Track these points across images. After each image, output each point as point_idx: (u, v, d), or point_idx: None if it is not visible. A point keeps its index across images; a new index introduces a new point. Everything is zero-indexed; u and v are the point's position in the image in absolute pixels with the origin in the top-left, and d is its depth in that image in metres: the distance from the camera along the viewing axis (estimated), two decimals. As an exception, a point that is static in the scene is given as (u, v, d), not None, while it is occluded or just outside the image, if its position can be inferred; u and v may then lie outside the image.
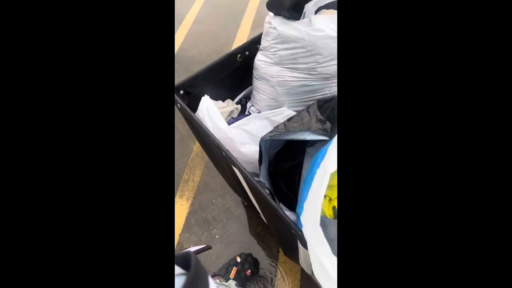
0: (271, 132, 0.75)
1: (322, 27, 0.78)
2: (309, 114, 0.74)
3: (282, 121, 0.91)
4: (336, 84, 0.91)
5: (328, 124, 0.70)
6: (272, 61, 0.92)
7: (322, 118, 0.71)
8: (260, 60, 0.97)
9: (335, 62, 0.85)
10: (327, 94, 0.93)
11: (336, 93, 0.89)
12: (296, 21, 0.82)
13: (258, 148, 0.79)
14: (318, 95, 0.94)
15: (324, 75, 0.88)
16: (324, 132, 0.69)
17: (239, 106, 1.11)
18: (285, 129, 0.72)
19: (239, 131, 0.89)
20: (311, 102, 0.96)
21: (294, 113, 0.91)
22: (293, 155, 0.88)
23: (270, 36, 0.88)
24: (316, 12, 0.83)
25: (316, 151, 0.76)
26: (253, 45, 1.03)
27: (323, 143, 0.68)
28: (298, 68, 0.88)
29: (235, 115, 1.11)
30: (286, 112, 0.91)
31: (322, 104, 0.75)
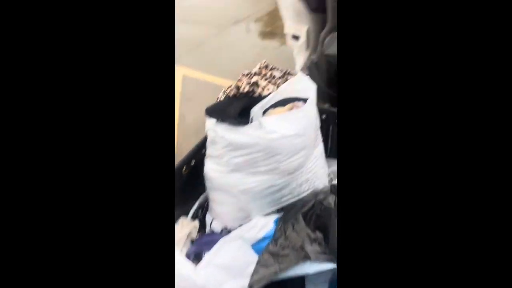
0: (256, 272, 0.58)
1: (274, 128, 0.72)
2: (297, 233, 0.61)
3: (258, 235, 0.76)
4: (304, 173, 0.83)
5: (324, 245, 0.58)
6: (228, 169, 0.80)
7: (316, 236, 0.59)
8: (213, 169, 0.84)
9: (298, 156, 0.78)
10: (295, 188, 0.84)
11: (314, 192, 0.81)
12: (245, 127, 0.75)
13: (242, 283, 0.60)
14: (287, 191, 0.84)
15: (289, 171, 0.80)
16: (326, 256, 0.57)
17: (196, 223, 0.92)
18: (276, 265, 0.57)
19: (211, 270, 0.69)
20: (282, 201, 0.85)
21: (270, 221, 0.78)
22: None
23: (219, 144, 0.78)
24: (264, 113, 0.78)
25: (320, 277, 0.62)
26: (198, 152, 0.90)
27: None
28: (259, 171, 0.78)
29: (195, 235, 0.91)
30: (260, 223, 0.77)
31: (306, 214, 0.64)
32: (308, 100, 0.77)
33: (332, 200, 0.73)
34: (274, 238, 0.67)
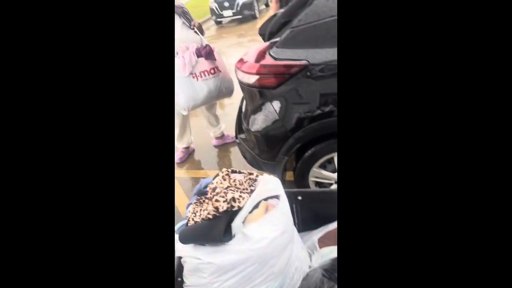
0: None
1: (262, 235, 0.71)
2: None
3: None
4: (293, 264, 0.82)
5: None
6: (220, 296, 0.71)
7: None
8: (201, 302, 0.73)
9: (286, 251, 0.78)
10: (289, 283, 0.82)
11: (302, 275, 0.80)
12: (229, 243, 0.71)
13: None
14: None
15: (281, 270, 0.78)
16: None
17: None
18: None
19: None
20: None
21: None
22: None
23: (206, 271, 0.70)
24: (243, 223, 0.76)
25: None
26: (175, 284, 0.78)
27: None
28: (254, 285, 0.73)
29: None
30: None
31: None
32: (280, 196, 0.81)
33: (329, 284, 0.74)
34: None
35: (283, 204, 0.80)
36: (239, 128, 1.68)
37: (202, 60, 1.78)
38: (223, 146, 2.30)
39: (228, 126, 2.48)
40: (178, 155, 2.20)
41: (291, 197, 1.02)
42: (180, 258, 0.77)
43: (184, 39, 1.85)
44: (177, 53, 1.78)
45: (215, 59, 1.81)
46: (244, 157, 1.67)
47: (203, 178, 1.94)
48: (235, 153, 2.18)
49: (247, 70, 1.37)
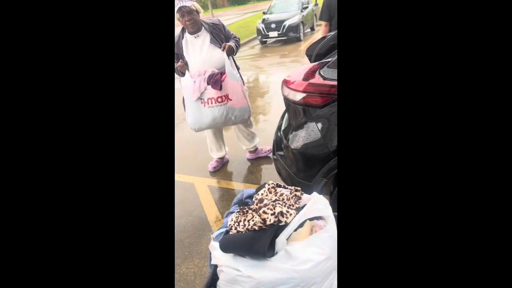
0: None
1: (307, 256, 0.68)
2: None
3: None
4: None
5: None
6: (255, 315, 0.68)
7: None
8: (234, 317, 0.69)
9: (330, 278, 0.73)
10: (327, 315, 0.76)
11: None
12: (272, 260, 0.68)
13: None
14: (320, 323, 0.74)
15: (321, 299, 0.72)
16: None
17: None
18: None
19: None
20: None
21: None
22: None
23: (245, 285, 0.67)
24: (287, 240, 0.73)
25: None
26: (208, 293, 0.76)
27: None
28: (293, 309, 0.68)
29: None
30: None
31: None
32: (328, 218, 0.77)
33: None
34: None
35: (331, 227, 0.75)
36: (277, 145, 1.67)
37: (210, 88, 1.77)
38: (255, 161, 2.30)
39: (262, 141, 2.49)
40: (212, 164, 2.23)
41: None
42: (215, 266, 0.75)
43: (207, 59, 1.80)
44: (193, 76, 1.78)
45: (220, 89, 1.76)
46: (279, 173, 1.64)
47: (232, 189, 1.95)
48: (268, 168, 2.17)
49: (295, 87, 1.38)
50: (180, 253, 1.58)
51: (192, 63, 1.82)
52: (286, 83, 1.43)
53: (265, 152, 2.30)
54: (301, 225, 0.75)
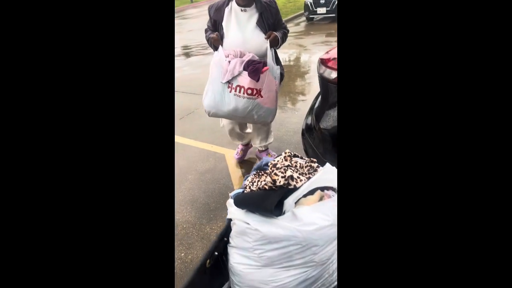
0: None
1: (312, 220, 0.73)
2: None
3: None
4: (335, 262, 0.82)
5: None
6: (259, 263, 0.76)
7: None
8: (241, 263, 0.79)
9: (331, 246, 0.78)
10: (327, 278, 0.81)
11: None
12: (278, 218, 0.74)
13: None
14: (320, 283, 0.81)
15: (322, 261, 0.78)
16: None
17: (218, 325, 0.82)
18: None
19: None
20: (315, 296, 0.81)
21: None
22: None
23: (251, 237, 0.76)
24: (295, 204, 0.79)
25: None
26: (220, 242, 0.86)
27: None
28: (293, 265, 0.76)
29: None
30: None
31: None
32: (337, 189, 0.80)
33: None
34: None
35: (339, 198, 0.79)
36: (306, 125, 1.69)
37: (245, 74, 1.48)
38: (287, 140, 2.33)
39: (295, 120, 2.49)
40: (237, 152, 2.14)
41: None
42: (230, 220, 0.85)
43: (247, 40, 1.56)
44: (229, 55, 1.54)
45: (257, 80, 1.48)
46: (306, 153, 1.67)
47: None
48: (298, 148, 2.19)
49: (331, 65, 1.36)
50: (206, 215, 1.74)
51: (230, 39, 1.58)
52: (322, 61, 1.42)
53: (274, 155, 2.07)
54: (311, 193, 0.80)
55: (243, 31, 1.58)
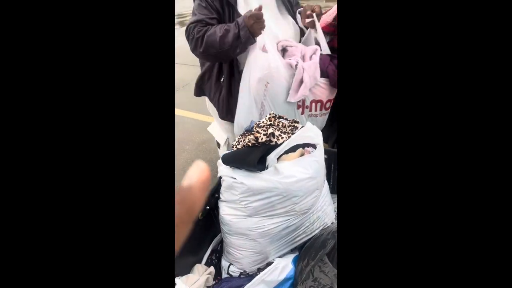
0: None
1: (292, 173, 0.81)
2: (325, 274, 0.68)
3: (280, 277, 0.81)
4: (316, 212, 0.91)
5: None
6: (245, 213, 0.86)
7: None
8: (230, 214, 0.89)
9: (311, 196, 0.86)
10: (308, 226, 0.92)
11: (327, 229, 0.88)
12: (262, 172, 0.83)
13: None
14: (301, 231, 0.91)
15: (303, 211, 0.88)
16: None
17: (212, 269, 0.94)
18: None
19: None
20: (296, 241, 0.91)
21: (289, 263, 0.83)
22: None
23: (237, 190, 0.84)
24: (277, 159, 0.87)
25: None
26: (212, 197, 0.95)
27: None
28: (276, 213, 0.85)
29: (211, 282, 0.93)
30: (280, 265, 0.82)
31: (329, 255, 0.71)
32: (317, 146, 0.87)
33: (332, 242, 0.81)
34: (300, 279, 0.72)
35: (319, 154, 0.86)
36: None
37: (324, 82, 0.98)
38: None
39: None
40: None
41: (332, 157, 1.08)
42: (220, 178, 0.93)
43: (278, 23, 1.03)
44: (285, 49, 1.02)
45: (335, 86, 1.00)
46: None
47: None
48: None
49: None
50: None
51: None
52: None
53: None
54: (293, 150, 0.87)
55: (267, 14, 0.94)
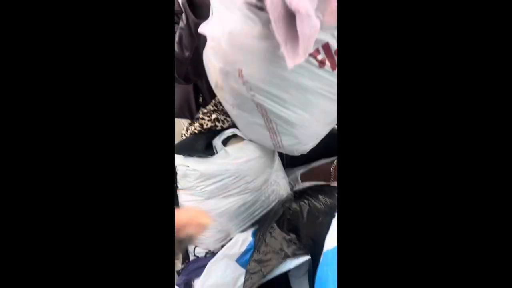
0: (247, 280, 0.71)
1: (241, 154, 0.87)
2: (275, 239, 0.76)
3: (241, 250, 0.89)
4: (270, 186, 0.99)
5: (298, 243, 0.74)
6: (202, 197, 0.92)
7: (291, 237, 0.75)
8: (188, 200, 0.94)
9: (263, 174, 0.94)
10: (264, 201, 1.00)
11: (280, 200, 0.97)
12: (213, 157, 0.87)
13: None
14: (258, 206, 0.99)
15: (256, 188, 0.95)
16: (302, 252, 0.73)
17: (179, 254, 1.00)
18: (261, 269, 0.71)
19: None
20: (255, 215, 1.00)
21: (248, 235, 0.91)
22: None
23: (192, 177, 0.89)
24: (224, 143, 0.92)
25: (300, 270, 0.77)
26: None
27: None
28: (231, 194, 0.92)
29: (179, 266, 0.99)
30: (240, 239, 0.90)
31: (278, 221, 0.79)
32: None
33: (296, 204, 0.90)
34: (256, 248, 0.80)
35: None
36: None
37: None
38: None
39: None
40: None
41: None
42: (176, 167, 0.97)
43: None
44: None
45: None
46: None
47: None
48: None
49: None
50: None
51: None
52: None
53: None
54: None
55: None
